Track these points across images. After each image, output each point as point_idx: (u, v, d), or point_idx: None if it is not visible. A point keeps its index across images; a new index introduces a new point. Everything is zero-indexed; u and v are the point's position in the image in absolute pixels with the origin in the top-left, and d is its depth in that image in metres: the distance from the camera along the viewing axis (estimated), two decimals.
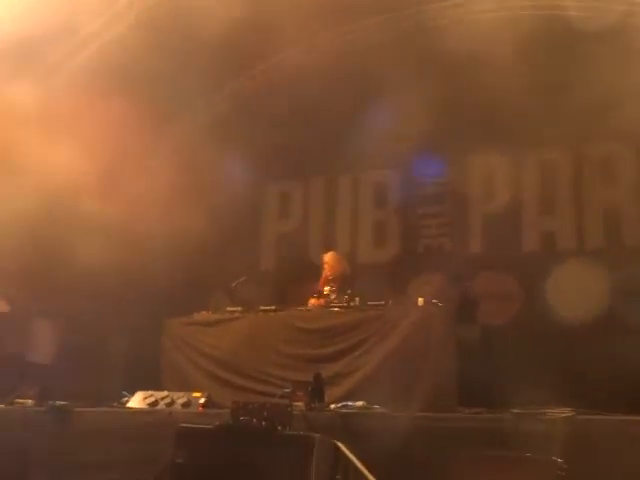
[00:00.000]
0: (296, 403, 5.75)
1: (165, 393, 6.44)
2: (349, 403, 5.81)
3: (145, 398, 6.42)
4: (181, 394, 6.39)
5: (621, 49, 6.88)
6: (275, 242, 9.23)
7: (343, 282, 7.13)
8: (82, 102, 7.14)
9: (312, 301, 7.17)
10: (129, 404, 6.50)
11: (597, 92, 6.86)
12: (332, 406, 5.84)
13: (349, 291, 6.90)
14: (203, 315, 7.31)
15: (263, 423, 4.67)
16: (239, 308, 7.17)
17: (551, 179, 8.09)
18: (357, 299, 6.82)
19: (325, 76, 7.96)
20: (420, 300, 6.53)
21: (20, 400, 6.64)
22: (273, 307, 7.04)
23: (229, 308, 7.23)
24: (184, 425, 4.86)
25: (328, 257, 7.36)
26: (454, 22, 7.78)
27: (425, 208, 8.71)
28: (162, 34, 7.32)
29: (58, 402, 6.37)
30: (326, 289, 7.15)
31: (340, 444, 4.56)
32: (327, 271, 7.23)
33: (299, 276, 8.33)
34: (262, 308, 7.07)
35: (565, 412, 4.95)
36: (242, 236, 8.90)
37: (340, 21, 8.33)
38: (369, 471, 4.60)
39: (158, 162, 7.97)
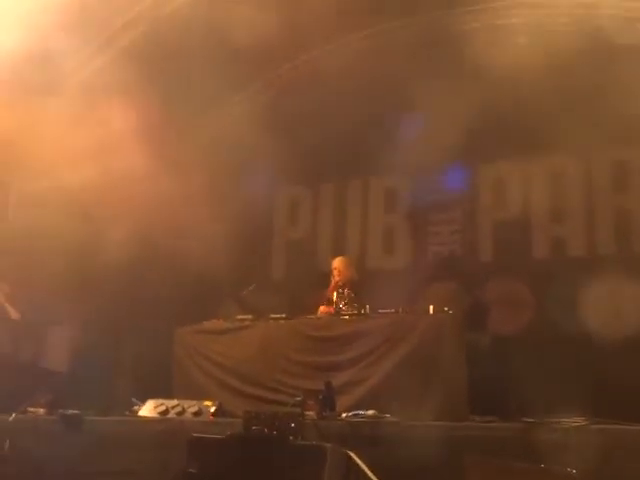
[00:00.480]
0: (307, 412, 5.76)
1: (176, 402, 6.45)
2: (360, 412, 5.79)
3: (156, 407, 6.43)
4: (192, 403, 6.39)
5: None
6: (285, 249, 9.22)
7: (352, 288, 7.12)
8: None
9: (322, 308, 7.17)
10: (140, 413, 6.51)
11: (610, 99, 6.85)
12: (343, 415, 5.84)
13: (353, 295, 6.90)
14: (214, 323, 7.31)
15: (275, 433, 4.65)
16: (250, 316, 7.17)
17: (561, 186, 8.05)
18: (367, 307, 6.81)
19: (338, 81, 7.96)
20: (431, 308, 6.52)
21: (32, 409, 6.66)
22: (283, 315, 7.03)
23: (239, 316, 7.23)
24: (196, 435, 4.85)
25: (337, 262, 7.35)
26: (476, 29, 7.75)
27: (436, 214, 8.69)
28: (183, 35, 7.34)
29: (69, 411, 6.38)
30: (335, 295, 7.14)
31: (352, 454, 4.54)
32: (336, 277, 7.21)
33: (309, 283, 8.34)
34: (272, 316, 7.06)
35: (578, 421, 4.93)
36: (253, 243, 8.90)
37: (360, 25, 8.31)
38: None
39: (175, 166, 7.96)
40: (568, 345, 7.24)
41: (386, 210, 8.87)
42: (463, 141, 7.75)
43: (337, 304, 7.03)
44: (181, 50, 7.49)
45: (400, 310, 6.64)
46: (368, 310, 6.74)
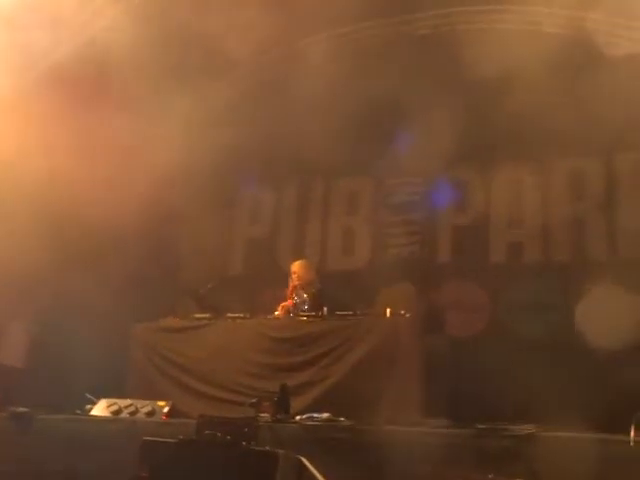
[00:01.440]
0: (262, 414, 5.76)
1: (129, 401, 6.40)
2: (315, 415, 5.82)
3: (109, 406, 6.38)
4: (145, 402, 6.35)
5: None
6: (244, 247, 9.17)
7: (311, 291, 7.12)
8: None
9: (280, 309, 7.16)
10: (92, 412, 6.45)
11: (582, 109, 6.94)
12: (298, 417, 5.86)
13: (310, 299, 6.91)
14: (171, 321, 7.27)
15: (228, 437, 4.63)
16: (207, 315, 7.14)
17: (520, 192, 8.15)
18: (325, 309, 6.84)
19: (308, 81, 7.91)
20: (388, 311, 6.56)
21: None
22: (242, 315, 7.01)
23: (197, 315, 7.19)
24: (148, 438, 4.80)
25: (296, 266, 7.35)
26: (476, 30, 7.76)
27: (395, 216, 8.71)
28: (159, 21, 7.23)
29: (20, 408, 6.28)
30: (295, 298, 7.13)
31: (304, 460, 4.54)
32: (295, 280, 7.22)
33: (268, 282, 8.31)
34: (231, 315, 7.04)
35: (528, 429, 5.01)
36: (211, 240, 8.83)
37: (344, 21, 8.27)
38: None
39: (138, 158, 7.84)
40: (523, 349, 7.32)
41: (347, 211, 8.87)
42: (427, 146, 7.81)
43: (295, 307, 7.02)
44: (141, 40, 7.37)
45: (357, 312, 6.68)
46: (326, 312, 6.76)
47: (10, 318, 7.89)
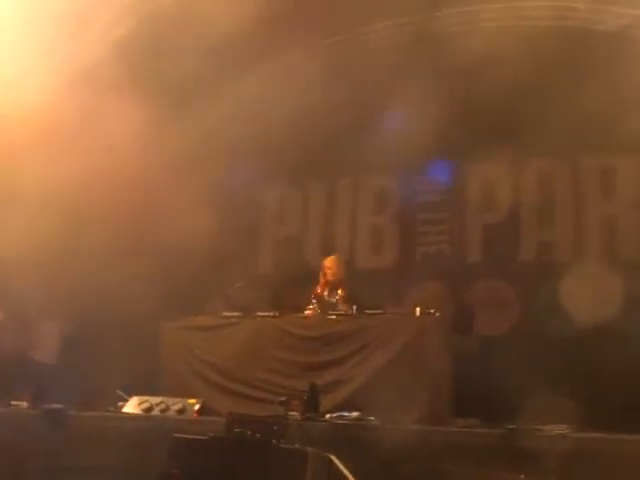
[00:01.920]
0: (292, 412, 5.78)
1: (160, 399, 6.45)
2: (344, 413, 5.83)
3: (140, 403, 6.44)
4: (176, 400, 6.40)
5: (624, 61, 6.86)
6: (273, 246, 9.20)
7: (344, 287, 7.12)
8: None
9: (311, 306, 7.15)
10: (124, 409, 6.51)
11: (599, 103, 6.85)
12: (327, 416, 5.86)
13: (344, 295, 6.90)
14: (200, 319, 7.30)
15: (257, 435, 4.66)
16: (236, 313, 7.16)
17: (550, 189, 8.07)
18: (354, 307, 6.83)
19: (328, 79, 7.93)
20: (417, 309, 6.54)
21: (15, 402, 6.64)
22: (270, 313, 7.03)
23: (226, 313, 7.22)
24: (178, 435, 4.85)
25: (330, 261, 7.31)
26: (461, 29, 7.74)
27: (424, 214, 8.68)
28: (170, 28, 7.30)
29: (53, 405, 6.37)
30: (326, 294, 7.13)
31: (334, 457, 4.56)
32: (329, 276, 7.19)
33: (297, 281, 8.33)
34: (259, 314, 7.06)
35: (561, 429, 4.96)
36: (240, 239, 8.87)
37: (347, 25, 8.28)
38: None
39: (163, 162, 7.91)
40: (553, 348, 7.27)
41: (375, 209, 8.85)
42: (453, 142, 7.76)
43: (328, 303, 7.00)
44: (170, 43, 7.43)
45: (386, 311, 6.66)
46: (355, 310, 6.75)
47: (43, 315, 8.01)
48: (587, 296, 7.18)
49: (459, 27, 7.85)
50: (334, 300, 7.06)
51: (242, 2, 6.64)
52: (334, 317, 6.81)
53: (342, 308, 6.89)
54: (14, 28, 6.82)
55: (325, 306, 7.04)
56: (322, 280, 7.23)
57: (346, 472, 4.57)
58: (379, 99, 8.15)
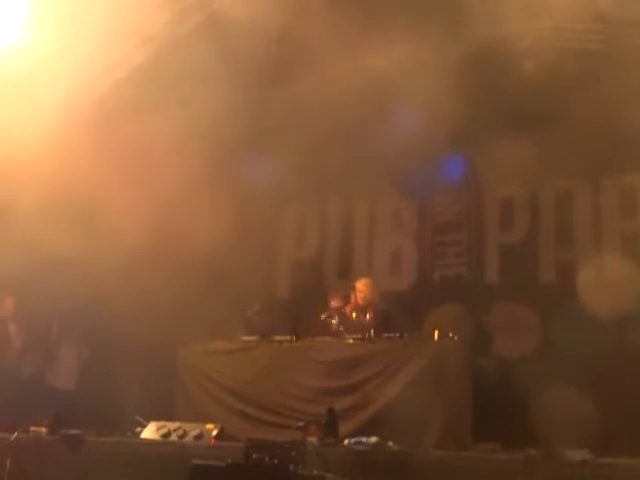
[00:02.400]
0: (310, 437, 5.74)
1: (178, 424, 6.43)
2: (363, 439, 5.76)
3: (158, 429, 6.42)
4: (194, 425, 6.38)
5: None
6: (291, 269, 9.20)
7: (372, 311, 7.15)
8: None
9: (333, 320, 7.11)
10: (142, 434, 6.50)
11: (616, 125, 6.84)
12: (346, 441, 5.81)
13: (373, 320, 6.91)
14: (218, 344, 7.31)
15: (275, 461, 4.62)
16: (254, 337, 7.16)
17: (569, 209, 8.01)
18: (372, 331, 6.81)
19: (347, 99, 7.94)
20: (436, 333, 6.49)
21: (34, 428, 6.65)
22: (288, 337, 7.01)
23: (244, 337, 7.21)
24: (197, 462, 4.82)
25: (362, 285, 7.32)
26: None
27: (442, 236, 8.65)
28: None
29: (71, 431, 6.37)
30: (354, 315, 7.15)
31: None
32: (360, 299, 7.21)
33: (314, 304, 8.31)
34: (277, 338, 7.05)
35: (583, 454, 4.87)
36: (258, 262, 8.88)
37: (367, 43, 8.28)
38: None
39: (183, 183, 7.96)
40: (574, 371, 7.16)
41: (393, 232, 8.83)
42: (470, 164, 7.75)
43: (357, 324, 6.99)
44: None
45: (405, 334, 6.62)
46: (372, 334, 6.72)
47: (61, 341, 8.05)
48: (609, 318, 7.09)
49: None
50: (364, 322, 7.03)
51: None
52: (352, 341, 6.78)
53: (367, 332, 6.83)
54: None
55: (352, 327, 7.00)
56: (352, 300, 7.23)
57: None
58: (398, 121, 8.15)
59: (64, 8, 6.88)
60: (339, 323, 7.08)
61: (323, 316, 7.16)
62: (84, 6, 6.92)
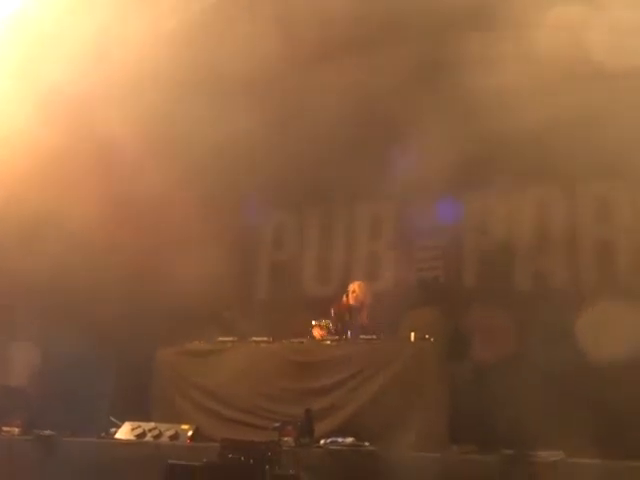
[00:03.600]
0: (286, 438, 5.74)
1: (153, 425, 6.42)
2: (339, 439, 5.79)
3: (133, 429, 6.40)
4: (169, 426, 6.36)
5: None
6: (269, 272, 9.20)
7: (365, 313, 7.19)
8: None
9: (323, 322, 7.13)
10: (117, 435, 6.46)
11: (595, 130, 6.92)
12: (322, 442, 5.83)
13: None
14: (195, 345, 7.28)
15: (251, 461, 4.62)
16: (231, 338, 7.14)
17: (545, 217, 8.09)
18: (349, 332, 6.84)
19: (325, 107, 7.97)
20: (412, 335, 6.53)
21: (6, 428, 6.59)
22: (265, 338, 7.01)
23: (221, 338, 7.19)
24: (173, 462, 4.80)
25: (356, 286, 7.34)
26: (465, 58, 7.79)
27: (421, 241, 8.68)
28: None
29: (44, 431, 6.32)
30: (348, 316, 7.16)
31: None
32: (351, 300, 7.22)
33: (292, 306, 8.31)
34: (254, 339, 7.04)
35: (555, 455, 4.92)
36: (237, 265, 8.86)
37: (348, 51, 8.33)
38: None
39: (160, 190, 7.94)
40: (550, 375, 7.23)
41: (371, 235, 8.86)
42: (449, 169, 7.79)
43: (350, 324, 7.02)
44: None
45: (382, 337, 6.65)
46: (349, 336, 6.74)
47: (34, 343, 7.97)
48: (584, 323, 7.17)
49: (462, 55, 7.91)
50: (356, 324, 7.06)
51: None
52: (328, 343, 6.80)
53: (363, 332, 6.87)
54: None
55: (345, 326, 7.03)
56: (345, 301, 7.25)
57: None
58: (378, 126, 8.20)
59: None
60: (334, 323, 7.11)
61: (315, 322, 7.14)
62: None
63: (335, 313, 7.20)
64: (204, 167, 7.93)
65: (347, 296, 7.27)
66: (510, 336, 7.53)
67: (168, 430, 6.29)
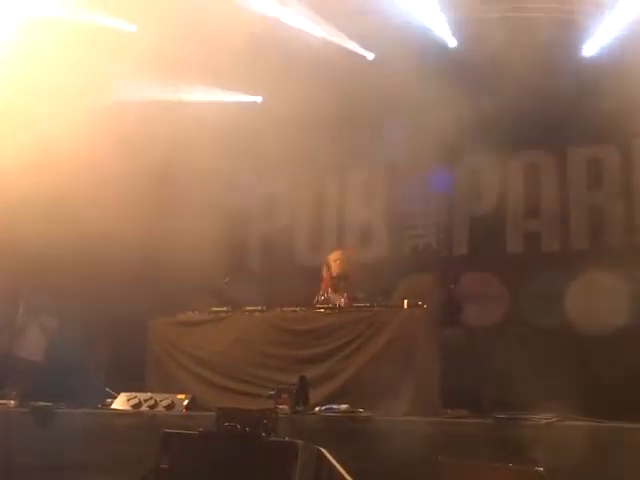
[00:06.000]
0: (281, 406, 5.78)
1: (149, 395, 6.43)
2: (334, 406, 5.83)
3: (129, 400, 6.42)
4: (165, 396, 6.38)
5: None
6: (261, 242, 9.19)
7: (349, 281, 7.12)
8: None
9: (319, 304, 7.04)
10: (112, 406, 6.49)
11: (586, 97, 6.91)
12: (317, 409, 5.86)
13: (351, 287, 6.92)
14: (188, 315, 7.28)
15: (247, 429, 4.65)
16: (225, 308, 7.15)
17: (536, 181, 8.10)
18: (342, 300, 6.86)
19: (320, 79, 7.91)
20: (405, 302, 6.55)
21: (2, 400, 6.60)
22: (259, 307, 7.02)
23: (214, 308, 7.20)
24: (168, 430, 4.83)
25: (338, 254, 7.27)
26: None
27: (412, 208, 8.69)
28: None
29: (41, 403, 6.34)
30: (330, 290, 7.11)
31: (324, 450, 4.56)
32: (336, 269, 7.14)
33: (285, 276, 8.32)
34: (248, 308, 7.05)
35: (548, 418, 4.98)
36: (229, 236, 8.85)
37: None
38: (353, 477, 4.60)
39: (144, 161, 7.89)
40: (542, 340, 7.30)
41: (363, 204, 8.86)
42: (440, 137, 7.77)
43: (337, 296, 6.99)
44: None
45: (375, 304, 6.67)
46: (343, 303, 6.76)
47: (29, 314, 7.97)
48: (575, 287, 7.22)
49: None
50: (340, 294, 7.01)
51: None
52: (322, 310, 6.81)
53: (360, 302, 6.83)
54: None
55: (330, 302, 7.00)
56: (326, 275, 7.19)
57: (336, 464, 4.57)
58: (370, 97, 8.15)
59: None
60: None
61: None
62: None
63: (325, 289, 7.15)
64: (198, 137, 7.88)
65: (328, 267, 7.22)
66: (501, 302, 7.59)
67: (164, 400, 6.31)
